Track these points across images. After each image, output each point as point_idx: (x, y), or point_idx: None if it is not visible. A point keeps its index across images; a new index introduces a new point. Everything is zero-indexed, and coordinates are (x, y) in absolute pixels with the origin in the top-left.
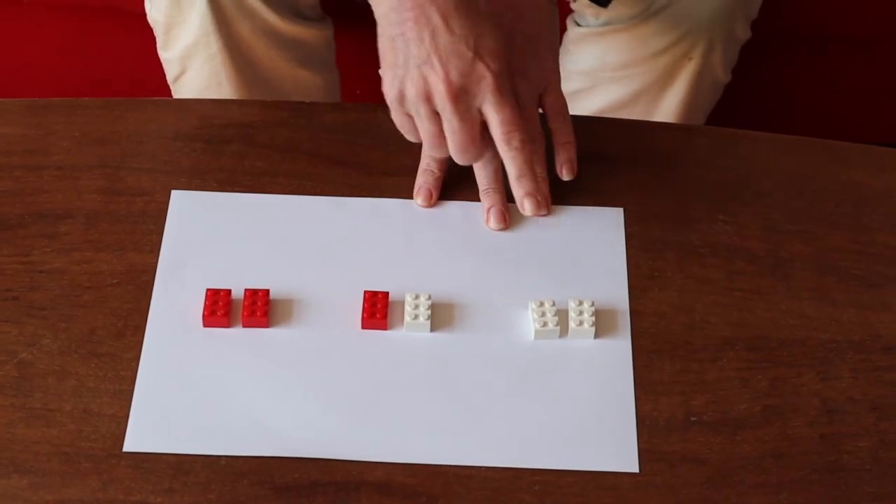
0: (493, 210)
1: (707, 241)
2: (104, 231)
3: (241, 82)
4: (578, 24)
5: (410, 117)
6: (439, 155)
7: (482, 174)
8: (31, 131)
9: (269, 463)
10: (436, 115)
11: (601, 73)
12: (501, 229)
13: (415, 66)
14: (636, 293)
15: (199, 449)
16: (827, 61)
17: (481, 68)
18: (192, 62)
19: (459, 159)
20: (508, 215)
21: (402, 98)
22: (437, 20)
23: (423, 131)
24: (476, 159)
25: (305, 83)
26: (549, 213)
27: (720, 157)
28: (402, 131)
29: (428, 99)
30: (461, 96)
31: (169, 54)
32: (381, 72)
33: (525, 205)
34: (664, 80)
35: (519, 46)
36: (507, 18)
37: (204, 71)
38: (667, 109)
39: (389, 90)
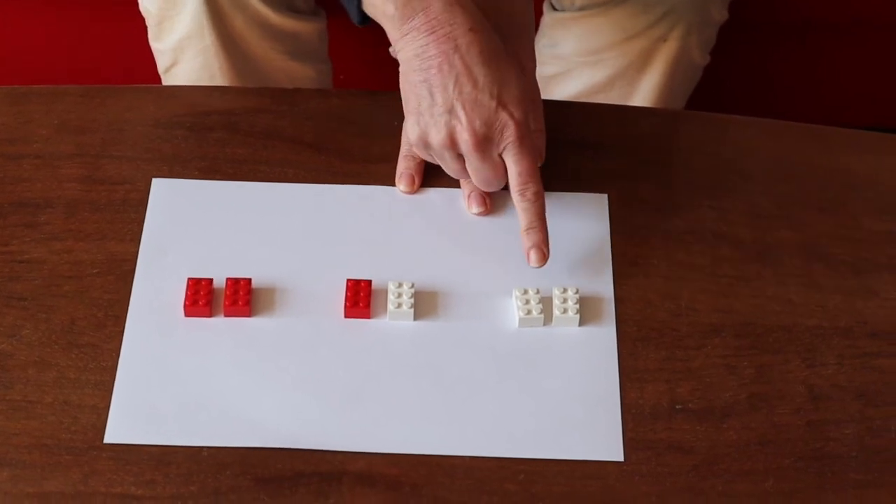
0: (473, 194)
1: (692, 228)
2: (84, 220)
3: (234, 74)
4: (555, 9)
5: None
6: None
7: (450, 170)
8: (9, 119)
9: (252, 454)
10: (460, 157)
11: (577, 58)
12: (482, 213)
13: (439, 114)
14: (621, 280)
15: (181, 440)
16: (808, 46)
17: (504, 117)
18: (185, 54)
19: (484, 189)
20: (489, 199)
21: (426, 144)
22: (461, 68)
23: (447, 169)
24: (499, 188)
25: (298, 75)
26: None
27: (705, 143)
28: (422, 157)
29: (453, 146)
30: (485, 144)
31: (161, 45)
32: (405, 114)
33: (531, 256)
34: (640, 64)
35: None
36: (492, 18)
37: (196, 63)
38: (644, 93)
39: (412, 134)
